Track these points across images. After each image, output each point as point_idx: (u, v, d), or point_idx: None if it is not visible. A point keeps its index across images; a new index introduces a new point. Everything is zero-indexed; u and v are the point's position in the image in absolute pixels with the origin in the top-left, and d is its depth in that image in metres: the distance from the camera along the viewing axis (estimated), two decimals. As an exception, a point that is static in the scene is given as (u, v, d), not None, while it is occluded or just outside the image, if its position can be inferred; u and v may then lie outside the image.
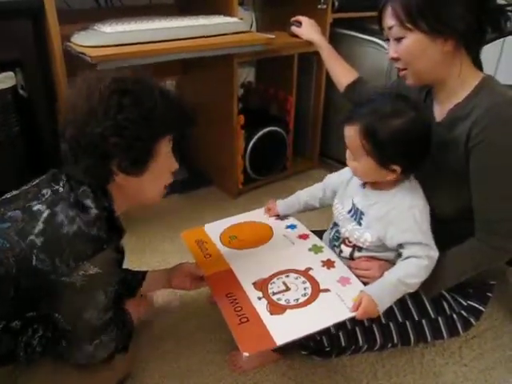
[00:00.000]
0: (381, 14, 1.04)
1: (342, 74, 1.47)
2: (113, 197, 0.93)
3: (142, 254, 1.60)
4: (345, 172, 1.21)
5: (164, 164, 0.94)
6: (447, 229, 1.03)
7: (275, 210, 1.33)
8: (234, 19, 1.65)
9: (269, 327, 0.94)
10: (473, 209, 1.03)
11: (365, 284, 1.05)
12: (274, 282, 1.07)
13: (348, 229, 1.13)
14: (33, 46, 1.34)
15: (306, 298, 1.02)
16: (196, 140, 2.03)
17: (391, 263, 1.08)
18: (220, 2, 1.70)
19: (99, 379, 1.00)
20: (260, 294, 1.04)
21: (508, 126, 0.97)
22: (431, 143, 1.01)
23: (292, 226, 1.29)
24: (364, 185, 1.13)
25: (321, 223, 1.35)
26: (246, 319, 0.97)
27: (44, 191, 0.87)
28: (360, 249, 1.11)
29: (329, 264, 1.12)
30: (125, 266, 1.06)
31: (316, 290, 1.03)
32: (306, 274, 1.09)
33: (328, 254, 1.16)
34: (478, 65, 1.07)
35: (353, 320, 1.02)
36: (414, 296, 1.11)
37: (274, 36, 1.69)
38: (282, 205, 1.33)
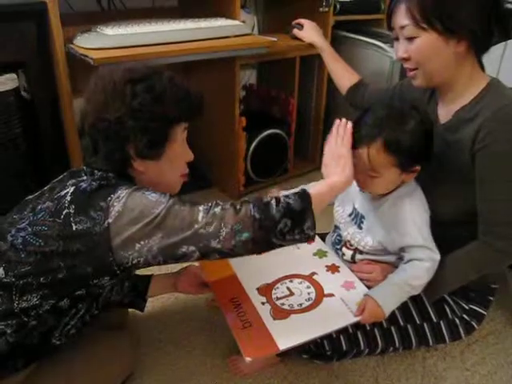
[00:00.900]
0: (391, 12, 1.02)
1: (343, 76, 1.48)
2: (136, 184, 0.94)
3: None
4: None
5: (180, 151, 0.98)
6: (448, 232, 1.04)
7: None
8: (236, 22, 1.65)
9: (272, 332, 0.94)
10: (477, 211, 1.03)
11: (368, 287, 1.05)
12: (277, 287, 1.07)
13: (349, 232, 1.13)
14: (36, 47, 1.34)
15: (309, 302, 1.02)
16: (197, 142, 2.02)
17: (393, 266, 1.08)
18: (222, 4, 1.70)
19: (103, 377, 1.01)
20: (264, 299, 1.04)
21: None
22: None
23: None
24: (365, 188, 1.13)
25: (323, 226, 1.35)
26: (249, 324, 0.97)
27: (69, 182, 0.90)
28: (361, 252, 1.12)
29: (333, 269, 1.12)
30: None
31: (320, 295, 1.03)
32: (310, 278, 1.09)
33: (332, 258, 1.16)
34: (481, 67, 1.06)
35: (354, 324, 1.02)
36: (416, 300, 1.11)
37: (275, 39, 1.69)
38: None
